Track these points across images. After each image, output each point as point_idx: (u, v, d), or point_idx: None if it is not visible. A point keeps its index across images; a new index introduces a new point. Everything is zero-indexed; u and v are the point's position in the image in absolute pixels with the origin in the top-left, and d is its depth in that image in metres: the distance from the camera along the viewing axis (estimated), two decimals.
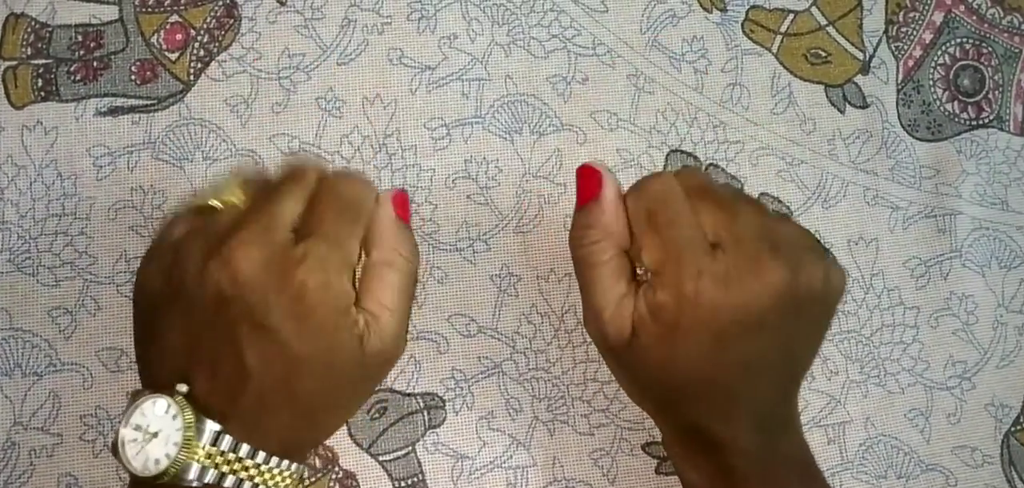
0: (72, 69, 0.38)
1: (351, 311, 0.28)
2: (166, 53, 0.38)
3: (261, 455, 0.26)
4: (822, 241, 0.39)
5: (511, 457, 0.37)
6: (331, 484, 0.36)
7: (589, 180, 0.30)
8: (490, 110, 0.39)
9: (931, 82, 0.42)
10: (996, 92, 0.42)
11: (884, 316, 0.40)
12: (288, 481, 0.27)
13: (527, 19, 0.40)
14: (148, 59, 0.38)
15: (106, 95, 0.38)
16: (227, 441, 0.26)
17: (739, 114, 0.40)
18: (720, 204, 0.29)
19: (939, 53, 0.42)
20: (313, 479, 0.36)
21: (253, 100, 0.38)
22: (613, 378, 0.37)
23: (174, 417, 0.25)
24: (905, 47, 0.42)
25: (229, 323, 0.26)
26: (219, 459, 0.25)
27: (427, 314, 0.37)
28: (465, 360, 0.37)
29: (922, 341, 0.39)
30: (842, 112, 0.41)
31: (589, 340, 0.38)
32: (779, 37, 0.41)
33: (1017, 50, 0.42)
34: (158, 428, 0.25)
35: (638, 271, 0.29)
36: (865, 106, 0.41)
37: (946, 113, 0.41)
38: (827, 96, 0.41)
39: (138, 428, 0.25)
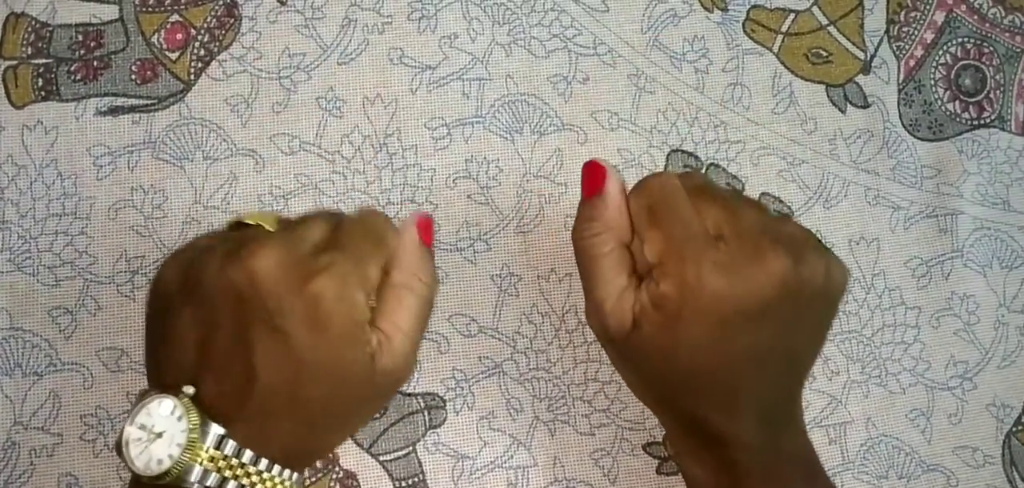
0: (72, 69, 0.38)
1: (365, 327, 0.28)
2: (166, 53, 0.38)
3: (264, 462, 0.26)
4: (823, 241, 0.39)
5: (512, 457, 0.37)
6: (332, 484, 0.36)
7: (594, 174, 0.31)
8: (491, 110, 0.39)
9: (932, 82, 0.42)
10: (997, 92, 0.42)
11: (885, 316, 0.39)
12: None
13: (528, 19, 0.40)
14: (148, 59, 0.38)
15: (106, 95, 0.38)
16: (231, 446, 0.26)
17: (740, 114, 0.40)
18: (721, 201, 0.30)
19: (940, 53, 0.42)
20: (313, 479, 0.36)
21: (254, 100, 0.38)
22: (614, 378, 0.38)
23: (179, 418, 0.25)
24: (906, 47, 0.42)
25: (243, 323, 0.26)
26: (222, 463, 0.25)
27: None
28: (466, 360, 0.37)
29: (923, 341, 0.39)
30: (843, 112, 0.41)
31: (590, 340, 0.38)
32: (780, 37, 0.41)
33: (1018, 50, 0.42)
34: (163, 428, 0.25)
35: (639, 268, 0.30)
36: (866, 106, 0.41)
37: (947, 113, 0.41)
38: (828, 96, 0.41)
39: (143, 427, 0.25)
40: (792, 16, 0.41)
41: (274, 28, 0.38)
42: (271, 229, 0.29)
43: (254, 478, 0.26)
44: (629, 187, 0.30)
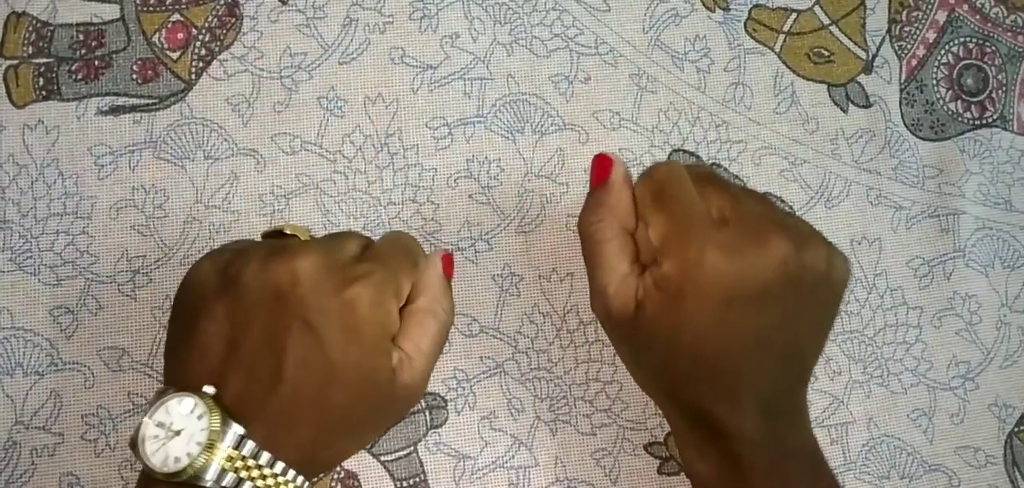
0: (73, 68, 0.38)
1: (392, 341, 0.29)
2: (168, 52, 0.38)
3: (280, 465, 0.26)
4: None
5: (513, 457, 0.37)
6: (333, 484, 0.36)
7: (602, 165, 0.31)
8: (492, 109, 0.39)
9: (934, 81, 0.42)
10: (999, 91, 0.42)
11: (887, 316, 0.39)
12: None
13: (529, 18, 0.40)
14: (149, 58, 0.38)
15: (107, 94, 0.37)
16: (249, 446, 0.26)
17: (742, 113, 0.40)
18: (726, 189, 0.30)
19: (942, 52, 0.42)
20: (314, 479, 0.36)
21: (255, 99, 0.38)
22: (615, 378, 0.37)
23: (200, 417, 0.25)
24: (908, 46, 0.42)
25: (279, 319, 0.26)
26: (239, 463, 0.26)
27: None
28: (467, 360, 0.37)
29: (925, 341, 0.39)
30: (845, 111, 0.41)
31: (591, 340, 0.38)
32: (782, 36, 0.41)
33: (1021, 49, 0.42)
34: (182, 427, 0.25)
35: (643, 257, 0.30)
36: (868, 105, 0.41)
37: (949, 112, 0.41)
38: (830, 95, 0.41)
39: (160, 425, 0.26)
40: (794, 15, 0.41)
41: (275, 27, 0.38)
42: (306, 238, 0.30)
43: (270, 481, 0.26)
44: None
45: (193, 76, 0.38)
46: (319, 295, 0.27)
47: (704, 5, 0.41)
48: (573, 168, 0.39)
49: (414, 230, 0.38)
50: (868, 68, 0.41)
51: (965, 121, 0.41)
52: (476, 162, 0.39)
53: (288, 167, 0.38)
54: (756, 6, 0.41)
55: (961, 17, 0.42)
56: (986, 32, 0.42)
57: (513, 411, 0.37)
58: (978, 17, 0.42)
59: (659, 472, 0.37)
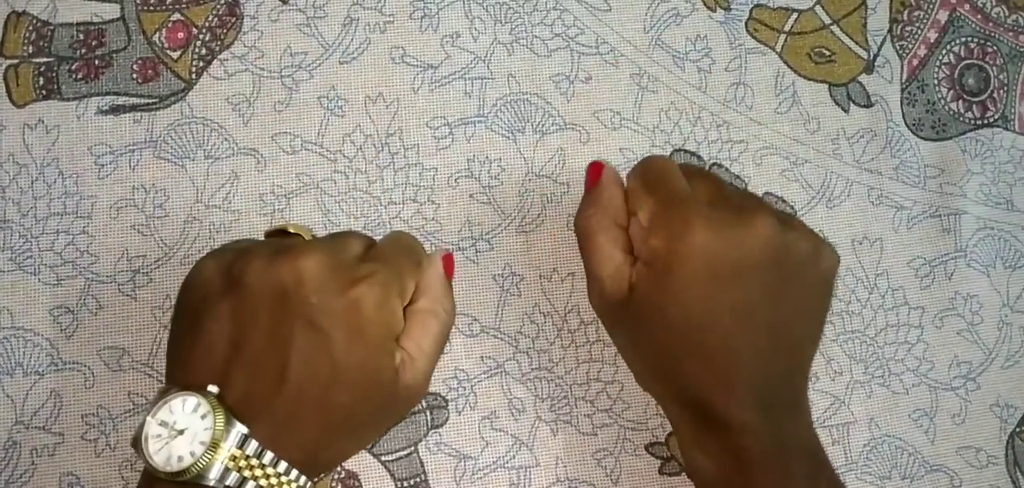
0: (74, 67, 0.38)
1: (396, 340, 0.29)
2: (168, 51, 0.38)
3: (282, 464, 0.26)
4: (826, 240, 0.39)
5: (514, 457, 0.37)
6: (333, 484, 0.36)
7: (594, 170, 0.34)
8: (493, 109, 0.39)
9: (936, 81, 0.42)
10: (1001, 91, 0.42)
11: (888, 316, 0.39)
12: None
13: (530, 18, 0.40)
14: (150, 57, 0.38)
15: (108, 93, 0.37)
16: (252, 446, 0.26)
17: (743, 113, 0.40)
18: (714, 180, 0.32)
19: (944, 52, 0.42)
20: (315, 479, 0.36)
21: (255, 99, 0.38)
22: (616, 378, 0.37)
23: (204, 416, 0.25)
24: (910, 46, 0.42)
25: (284, 319, 0.27)
26: (243, 462, 0.26)
27: None
28: (468, 360, 0.37)
29: (927, 341, 0.39)
30: (846, 111, 0.41)
31: (592, 340, 0.38)
32: (783, 36, 0.41)
33: (1022, 49, 0.42)
34: (185, 426, 0.25)
35: (636, 250, 0.31)
36: (869, 105, 0.41)
37: (951, 112, 0.41)
38: (831, 95, 0.41)
39: (164, 424, 0.26)
40: (795, 15, 0.41)
41: (276, 27, 0.38)
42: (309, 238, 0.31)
43: (273, 480, 0.26)
44: None
45: (193, 75, 0.38)
46: (324, 295, 0.27)
47: (705, 5, 0.41)
48: (574, 168, 0.39)
49: (415, 230, 0.38)
50: (869, 68, 0.41)
51: (966, 121, 0.41)
52: (477, 162, 0.38)
53: (289, 167, 0.38)
54: (757, 6, 0.41)
55: (962, 17, 0.42)
56: (987, 32, 0.42)
57: (514, 411, 0.37)
58: (979, 17, 0.42)
59: (660, 472, 0.37)
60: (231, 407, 0.26)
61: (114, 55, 0.38)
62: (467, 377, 0.37)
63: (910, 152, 0.41)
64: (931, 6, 0.42)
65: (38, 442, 0.35)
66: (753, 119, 0.40)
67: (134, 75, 0.38)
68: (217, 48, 0.38)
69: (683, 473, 0.37)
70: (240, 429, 0.26)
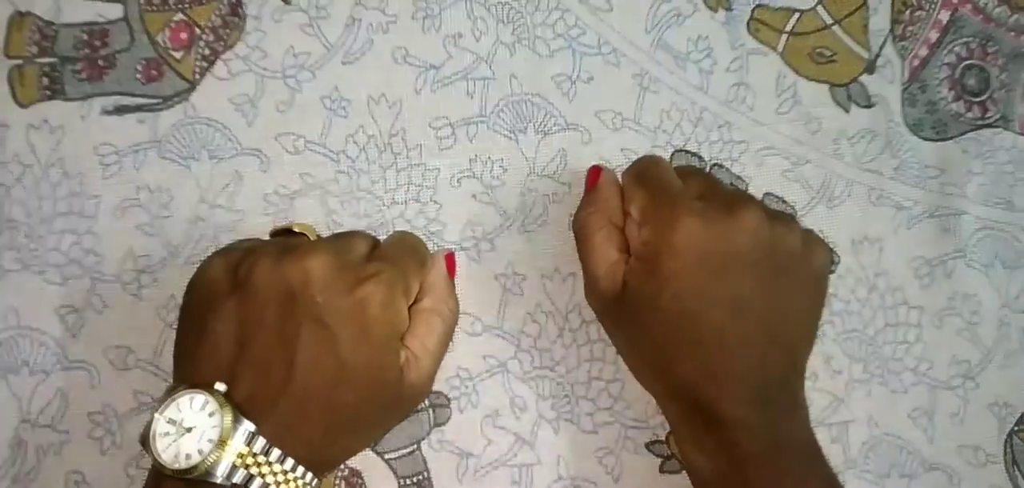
0: (78, 68, 0.38)
1: (400, 340, 0.29)
2: (171, 52, 0.38)
3: (289, 461, 0.27)
4: (826, 240, 0.39)
5: (516, 455, 0.37)
6: (336, 482, 0.36)
7: (593, 173, 0.35)
8: (495, 109, 0.39)
9: (937, 81, 0.42)
10: (1001, 91, 0.42)
11: (888, 315, 0.40)
12: None
13: (532, 18, 0.40)
14: (153, 58, 0.38)
15: (112, 94, 0.38)
16: (260, 443, 0.26)
17: (744, 114, 0.40)
18: (705, 176, 0.32)
19: (945, 52, 0.42)
20: (320, 477, 0.36)
21: (258, 99, 0.38)
22: (618, 376, 0.38)
23: (211, 414, 0.26)
24: (911, 46, 0.42)
25: (290, 318, 0.27)
26: (250, 460, 0.26)
27: None
28: (470, 359, 0.37)
29: (926, 340, 0.40)
30: (847, 112, 0.41)
31: (594, 339, 0.38)
32: (785, 36, 0.41)
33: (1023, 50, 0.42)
34: (193, 423, 0.26)
35: (631, 249, 0.32)
36: (870, 105, 0.41)
37: (951, 113, 0.41)
38: (832, 95, 0.41)
39: (172, 422, 0.26)
40: (796, 15, 0.41)
41: (279, 27, 0.39)
42: (314, 238, 0.31)
43: (280, 477, 0.26)
44: None
45: (197, 76, 0.38)
46: (330, 294, 0.27)
47: (707, 5, 0.41)
48: (576, 168, 0.39)
49: (418, 230, 0.38)
50: (870, 68, 0.41)
51: (967, 121, 0.41)
52: (479, 162, 0.39)
53: (292, 167, 0.38)
54: (759, 6, 0.41)
55: (964, 16, 0.42)
56: (988, 32, 0.42)
57: (516, 410, 0.37)
58: (981, 16, 0.42)
59: (661, 470, 0.38)
60: (238, 405, 0.26)
61: (118, 55, 0.38)
62: (469, 375, 0.37)
63: (910, 152, 0.41)
64: (933, 6, 0.42)
65: (44, 440, 0.35)
66: (754, 120, 0.40)
67: (138, 75, 0.38)
68: (220, 48, 0.38)
69: (683, 471, 0.37)
70: (247, 426, 0.26)
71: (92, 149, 0.37)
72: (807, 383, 0.33)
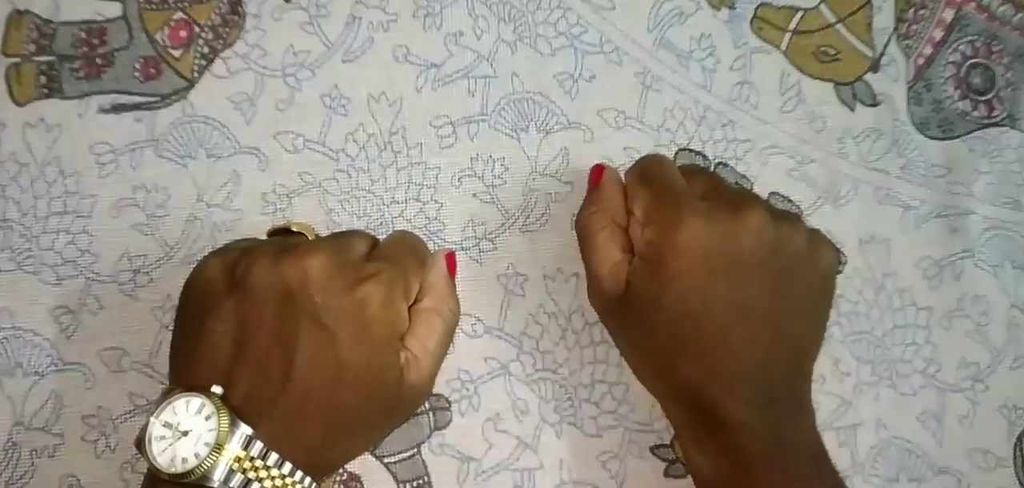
0: (76, 66, 0.37)
1: (400, 341, 0.29)
2: (170, 50, 0.38)
3: (288, 465, 0.26)
4: (833, 241, 0.39)
5: (518, 459, 0.36)
6: (335, 486, 0.36)
7: (596, 172, 0.35)
8: (496, 108, 0.39)
9: (942, 80, 0.41)
10: (1007, 90, 0.41)
11: (896, 317, 0.39)
12: None
13: (534, 16, 0.39)
14: (152, 56, 0.38)
15: (109, 92, 0.37)
16: (257, 447, 0.26)
17: (748, 112, 0.40)
18: (709, 175, 0.32)
19: (949, 51, 0.42)
20: (319, 481, 0.36)
21: (258, 97, 0.38)
22: (621, 379, 0.37)
23: (208, 418, 0.25)
24: (915, 45, 0.41)
25: (289, 318, 0.26)
26: (247, 464, 0.25)
27: None
28: (471, 361, 0.37)
29: (934, 342, 0.39)
30: (852, 110, 0.41)
31: (597, 341, 0.37)
32: (788, 35, 0.41)
33: None
34: (189, 427, 0.25)
35: (635, 249, 0.31)
36: (875, 104, 0.41)
37: (957, 111, 0.41)
38: (837, 94, 0.41)
39: (167, 425, 0.25)
40: (800, 14, 0.41)
41: (278, 25, 0.38)
42: (312, 236, 0.31)
43: (278, 482, 0.26)
44: None
45: (195, 74, 0.38)
46: (329, 294, 0.27)
47: (710, 3, 0.40)
48: (578, 167, 0.39)
49: (418, 229, 0.37)
50: (875, 66, 0.41)
51: (973, 120, 0.41)
52: (480, 161, 0.38)
53: (291, 166, 0.37)
54: (762, 4, 0.41)
55: (968, 15, 0.42)
56: (993, 30, 0.42)
57: (518, 413, 0.37)
58: (985, 15, 0.42)
59: (665, 475, 0.37)
60: (235, 408, 0.26)
61: (116, 53, 0.38)
62: (471, 378, 0.37)
63: (917, 151, 0.40)
64: (937, 4, 0.42)
65: (38, 443, 0.35)
66: (758, 118, 0.40)
67: (136, 74, 0.37)
68: (219, 46, 0.38)
69: (688, 475, 0.36)
70: (244, 430, 0.25)
71: (88, 148, 0.37)
72: (815, 386, 0.33)
